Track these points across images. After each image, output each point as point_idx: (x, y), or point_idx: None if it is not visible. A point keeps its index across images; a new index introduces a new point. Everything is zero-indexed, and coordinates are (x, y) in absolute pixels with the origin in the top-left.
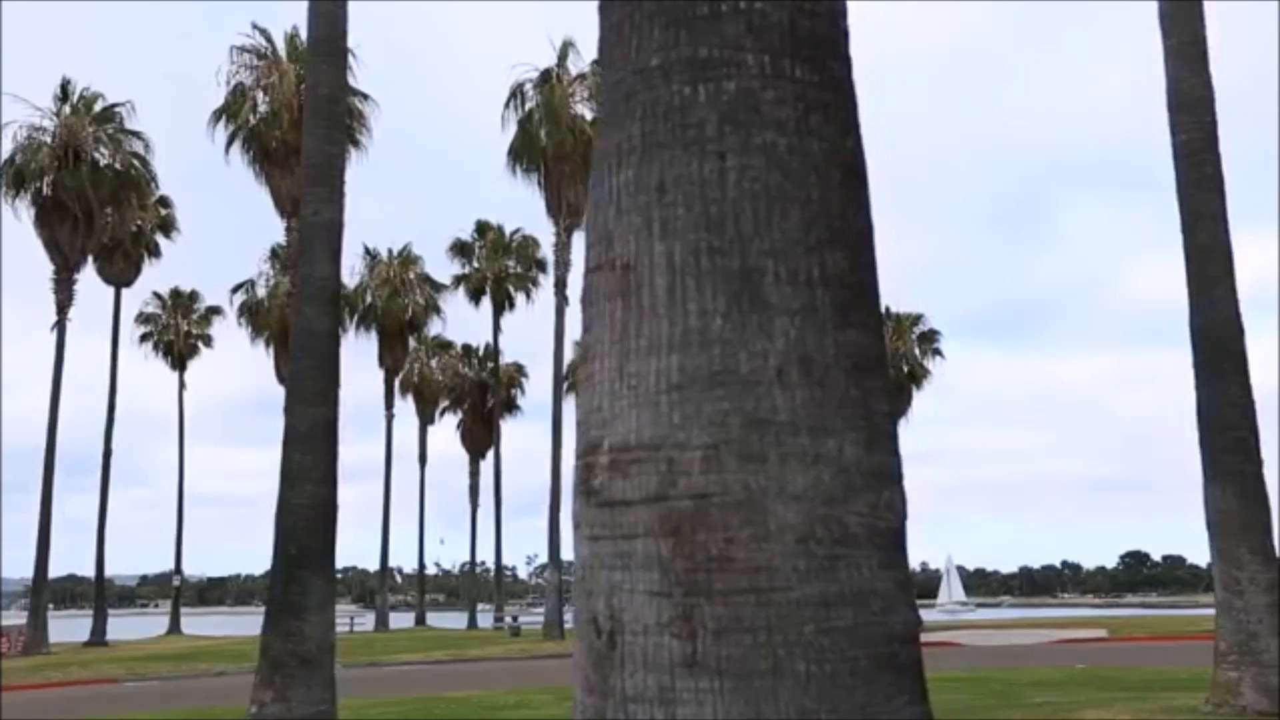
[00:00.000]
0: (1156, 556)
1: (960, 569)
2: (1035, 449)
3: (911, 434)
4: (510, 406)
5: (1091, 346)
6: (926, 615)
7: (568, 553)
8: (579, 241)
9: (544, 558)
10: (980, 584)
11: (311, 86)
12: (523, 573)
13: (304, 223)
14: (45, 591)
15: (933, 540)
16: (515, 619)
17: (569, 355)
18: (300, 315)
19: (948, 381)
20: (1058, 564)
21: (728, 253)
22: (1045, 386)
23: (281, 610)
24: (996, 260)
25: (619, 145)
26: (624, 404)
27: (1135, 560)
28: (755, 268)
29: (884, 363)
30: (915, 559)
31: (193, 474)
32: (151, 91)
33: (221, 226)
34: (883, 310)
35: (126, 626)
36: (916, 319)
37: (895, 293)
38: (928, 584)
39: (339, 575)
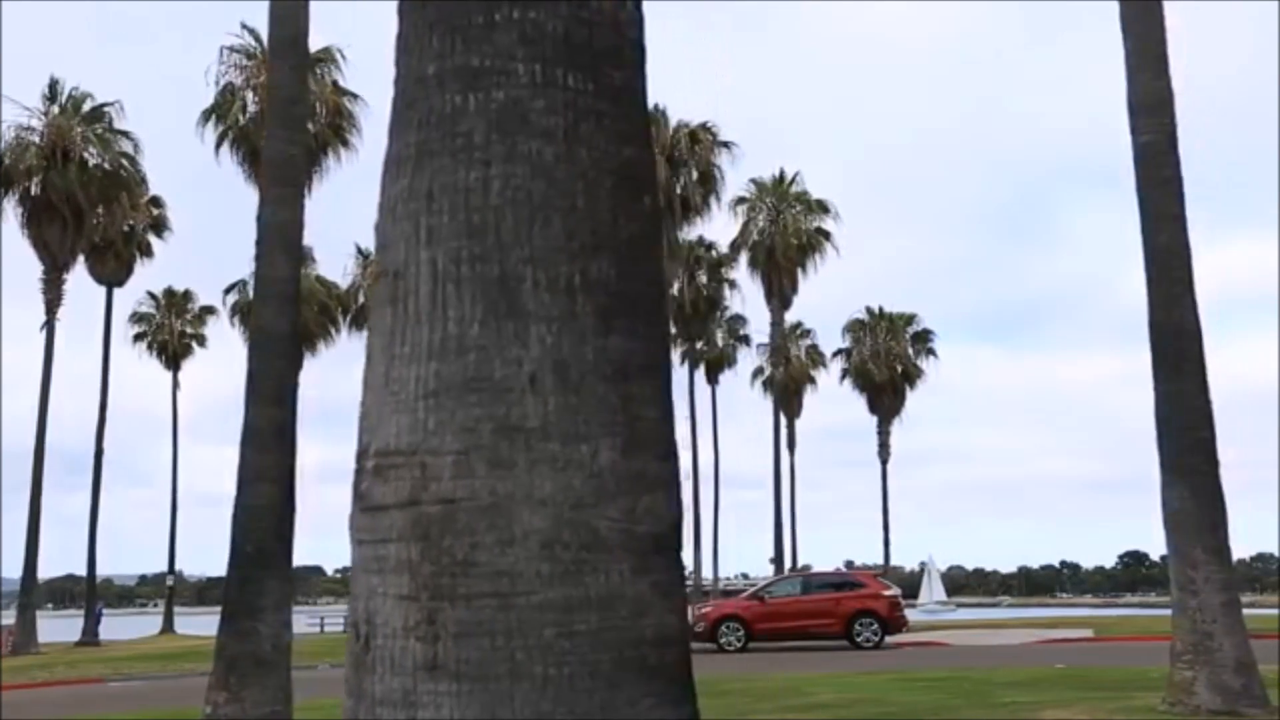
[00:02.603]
0: (1155, 556)
1: (959, 569)
2: (1035, 449)
3: (908, 434)
4: None
5: (1091, 346)
6: (909, 615)
7: None
8: None
9: None
10: (979, 584)
11: (272, 88)
12: None
13: (261, 224)
14: (34, 591)
15: (933, 541)
16: None
17: None
18: (258, 317)
19: (948, 382)
20: (1056, 564)
21: (488, 260)
22: (1045, 386)
23: (237, 611)
24: (997, 260)
25: (399, 153)
26: (387, 410)
27: (1134, 560)
28: (514, 275)
29: (656, 369)
30: (912, 560)
31: (193, 473)
32: (150, 91)
33: (218, 226)
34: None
35: (123, 626)
36: (910, 319)
37: (891, 293)
38: (918, 585)
39: (338, 576)
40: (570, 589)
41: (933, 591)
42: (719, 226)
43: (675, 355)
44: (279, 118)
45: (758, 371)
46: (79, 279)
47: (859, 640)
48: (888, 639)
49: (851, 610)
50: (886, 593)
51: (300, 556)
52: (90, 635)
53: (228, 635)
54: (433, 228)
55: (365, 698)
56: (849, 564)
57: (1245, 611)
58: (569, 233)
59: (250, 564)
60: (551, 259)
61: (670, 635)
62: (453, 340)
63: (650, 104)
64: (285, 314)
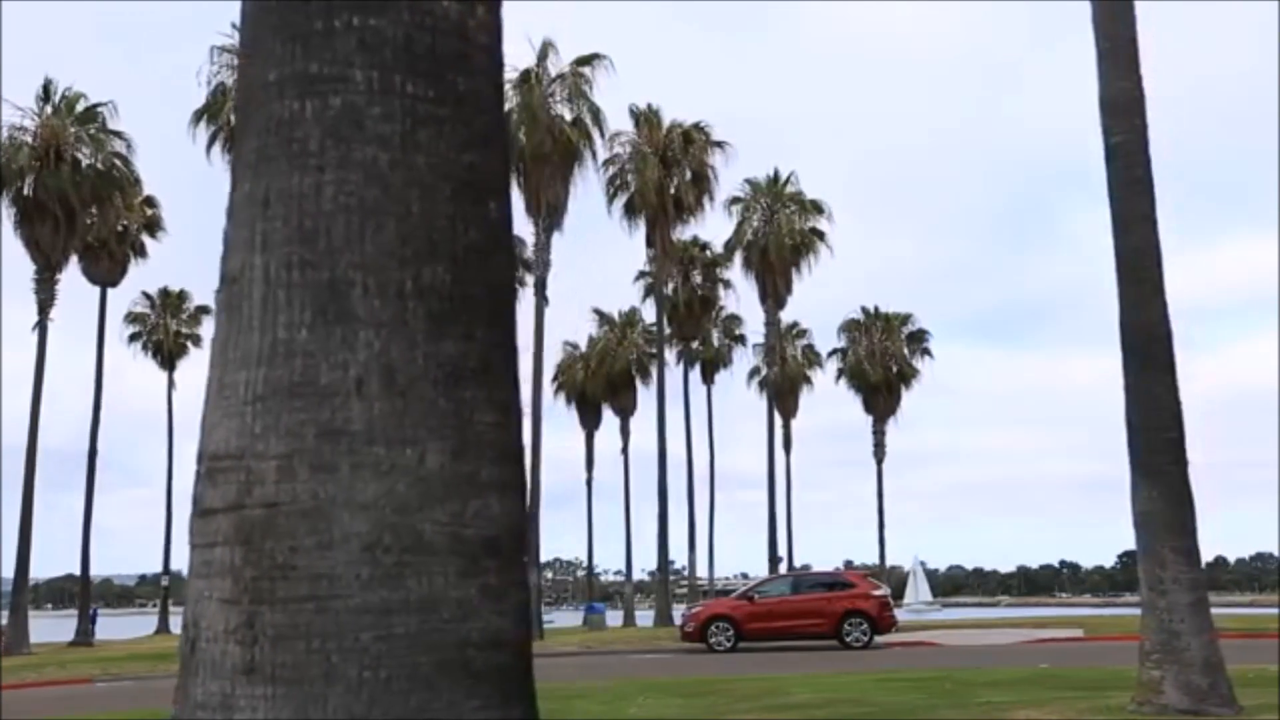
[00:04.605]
0: None
1: (959, 568)
2: (1035, 449)
3: (908, 434)
4: None
5: (1091, 347)
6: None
7: (548, 552)
8: (559, 242)
9: None
10: (979, 583)
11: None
12: None
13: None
14: (26, 591)
15: (932, 540)
16: None
17: (549, 355)
18: None
19: (949, 382)
20: (1056, 564)
21: (318, 266)
22: (1045, 386)
23: None
24: (997, 261)
25: (242, 158)
26: (219, 414)
27: (1133, 559)
28: (344, 280)
29: (495, 374)
30: (911, 560)
31: (190, 473)
32: (145, 92)
33: (213, 226)
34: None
35: (121, 626)
36: (905, 319)
37: (889, 293)
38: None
39: None
40: (390, 592)
41: (919, 591)
42: (714, 226)
43: (671, 355)
44: None
45: (754, 371)
46: (73, 279)
47: (849, 640)
48: (878, 639)
49: (841, 610)
50: (876, 593)
51: None
52: (84, 635)
53: None
54: (267, 233)
55: (188, 701)
56: (848, 564)
57: (1245, 611)
58: (402, 238)
59: None
60: (383, 265)
61: (500, 638)
62: (281, 345)
63: (644, 104)
64: None
